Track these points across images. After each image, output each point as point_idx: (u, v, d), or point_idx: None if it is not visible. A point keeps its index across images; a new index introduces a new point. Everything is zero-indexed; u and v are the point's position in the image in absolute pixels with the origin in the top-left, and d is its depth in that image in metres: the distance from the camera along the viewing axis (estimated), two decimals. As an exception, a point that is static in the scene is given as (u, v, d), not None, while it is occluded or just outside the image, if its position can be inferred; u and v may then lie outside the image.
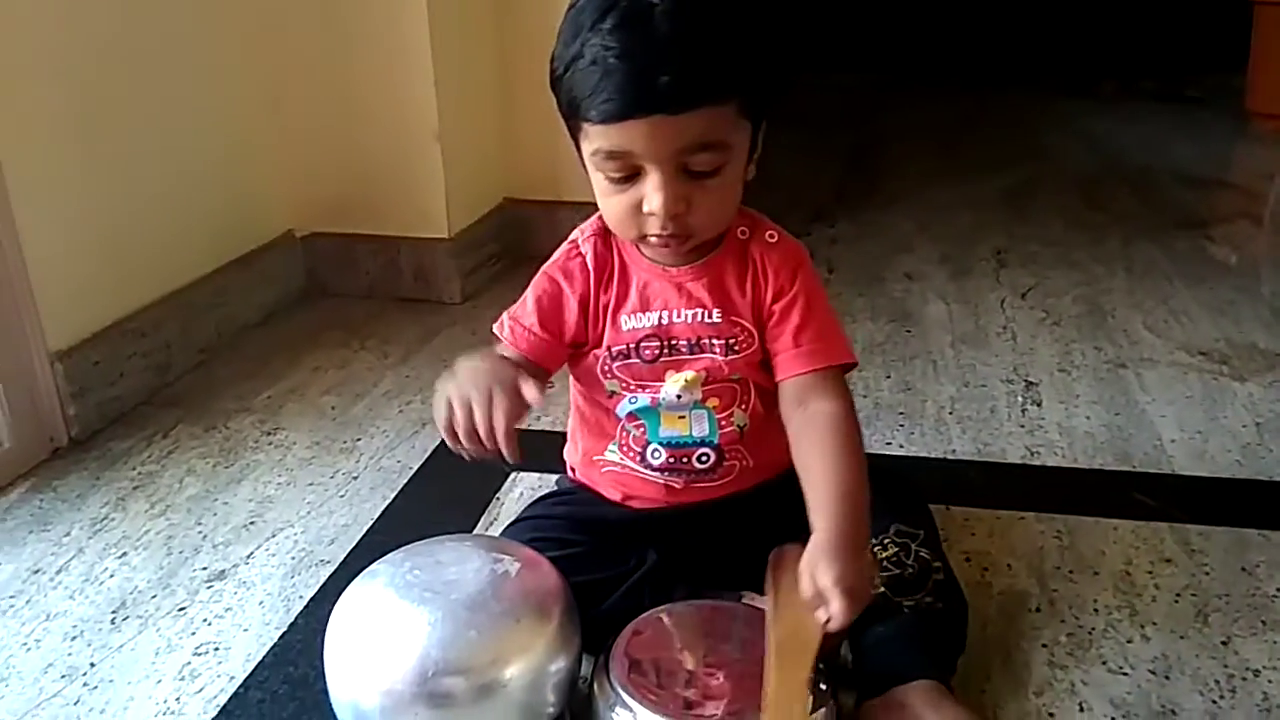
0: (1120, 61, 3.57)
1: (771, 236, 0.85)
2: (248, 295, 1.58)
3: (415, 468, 1.18)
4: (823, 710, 0.71)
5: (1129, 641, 0.87)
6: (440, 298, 1.68)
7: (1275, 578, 0.95)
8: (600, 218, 0.86)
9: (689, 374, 0.83)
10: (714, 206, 0.78)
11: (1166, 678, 0.83)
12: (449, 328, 1.59)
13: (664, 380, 0.84)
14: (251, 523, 1.08)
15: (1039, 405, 1.30)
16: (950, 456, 1.19)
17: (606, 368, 0.85)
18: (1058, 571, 0.96)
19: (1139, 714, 0.79)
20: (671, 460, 0.86)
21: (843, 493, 0.74)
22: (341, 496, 1.12)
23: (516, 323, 0.85)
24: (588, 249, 0.85)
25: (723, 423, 0.85)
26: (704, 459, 0.86)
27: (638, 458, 0.87)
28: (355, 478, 1.16)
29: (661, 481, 0.87)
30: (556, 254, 0.87)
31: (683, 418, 0.85)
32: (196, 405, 1.34)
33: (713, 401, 0.85)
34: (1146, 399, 1.32)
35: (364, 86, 1.62)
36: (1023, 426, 1.25)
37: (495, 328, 0.87)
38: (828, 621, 0.69)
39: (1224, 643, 0.87)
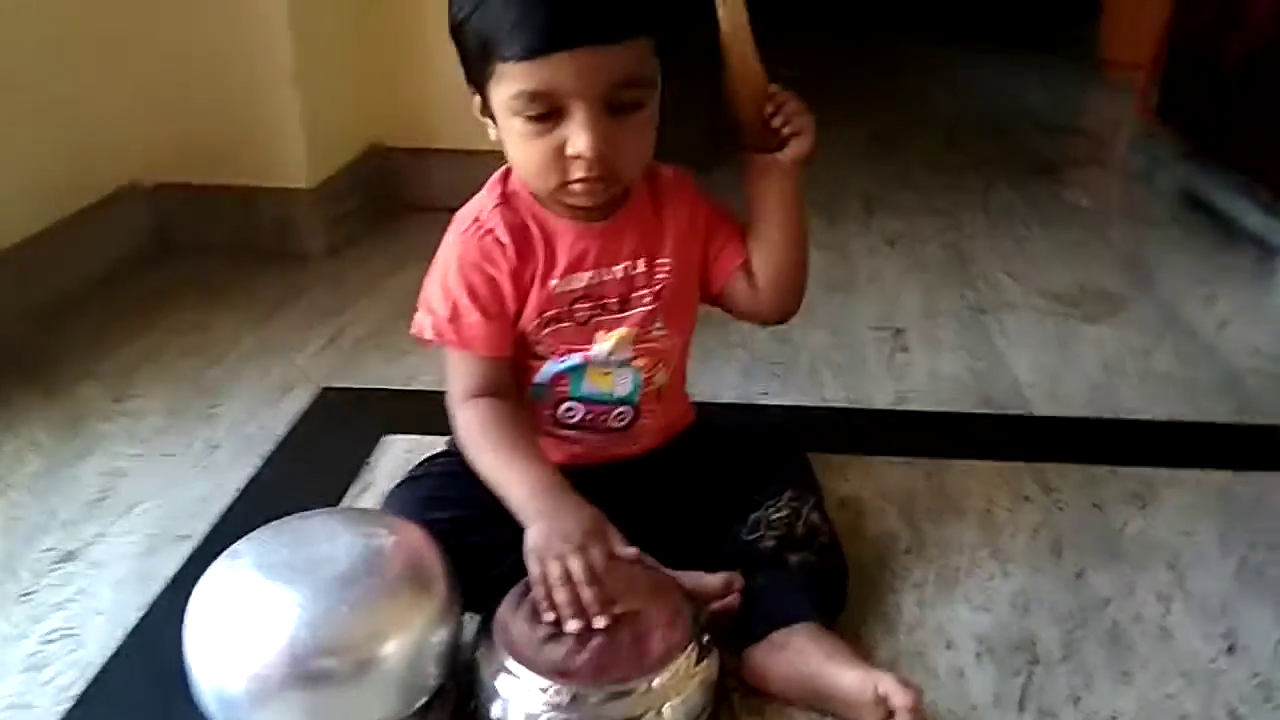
0: (983, 11, 3.67)
1: (665, 171, 0.87)
2: (89, 252, 1.47)
3: (280, 434, 1.13)
4: (706, 660, 0.71)
5: (991, 579, 0.91)
6: (303, 251, 1.60)
7: (1122, 512, 1.01)
8: (493, 191, 0.83)
9: (621, 331, 0.83)
10: (638, 146, 0.78)
11: (1025, 611, 0.87)
12: (312, 285, 1.51)
13: (594, 341, 0.83)
14: (103, 498, 1.01)
15: (906, 351, 1.34)
16: (823, 404, 1.22)
17: (534, 333, 0.82)
18: (927, 513, 1.00)
19: (1000, 647, 0.83)
20: (589, 418, 0.85)
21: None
22: (200, 467, 1.07)
23: (460, 325, 0.80)
24: (496, 223, 0.81)
25: (645, 383, 0.85)
26: (621, 418, 0.86)
27: (549, 421, 0.86)
28: (215, 447, 1.10)
29: (570, 441, 0.86)
30: (458, 244, 0.81)
31: (607, 374, 0.84)
32: (36, 373, 1.24)
33: (640, 361, 0.85)
34: (1005, 343, 1.37)
35: (212, 23, 1.51)
36: (891, 373, 1.29)
37: (429, 337, 0.82)
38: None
39: (1077, 575, 0.92)
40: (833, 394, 1.24)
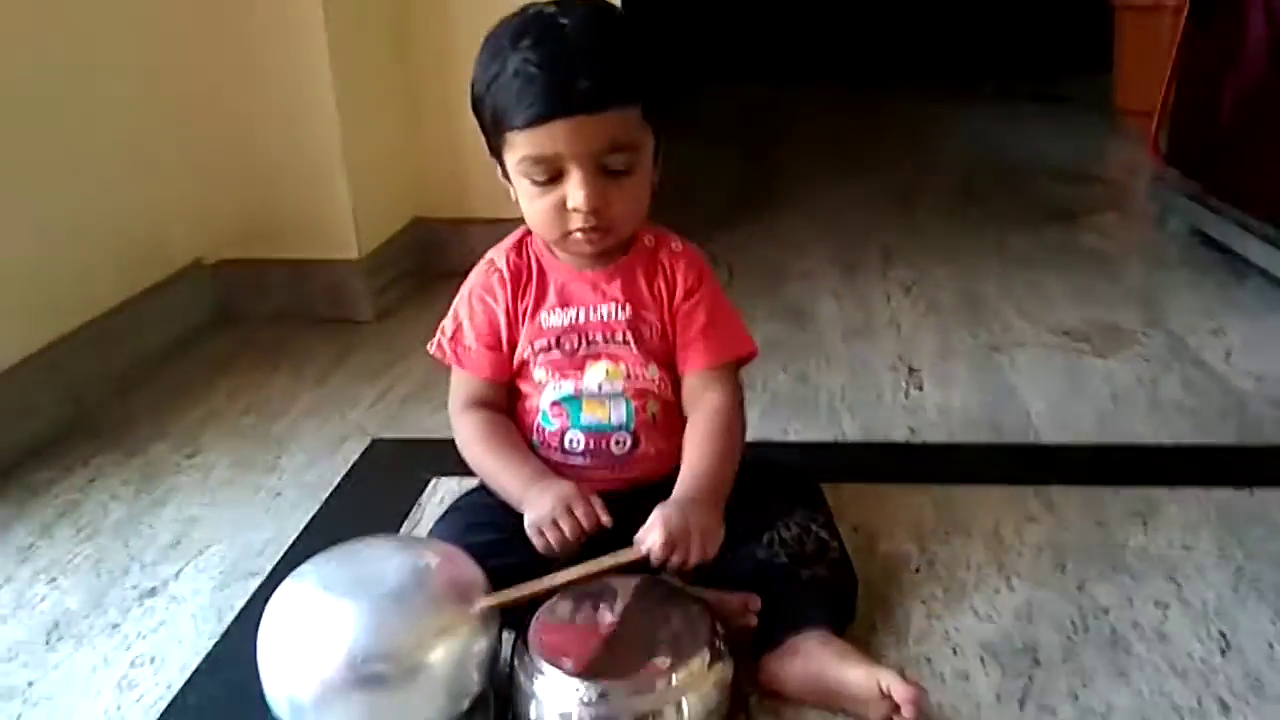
0: (998, 64, 3.79)
1: (676, 245, 0.97)
2: (159, 324, 1.60)
3: (336, 482, 1.23)
4: (721, 662, 0.78)
5: (996, 592, 0.97)
6: (353, 317, 1.72)
7: (1124, 528, 1.07)
8: (514, 237, 0.96)
9: (608, 364, 0.93)
10: (630, 203, 0.89)
11: (1029, 621, 0.93)
12: (363, 346, 1.63)
13: (584, 370, 0.93)
14: (178, 542, 1.11)
15: (920, 389, 1.41)
16: (840, 440, 1.29)
17: (531, 358, 0.94)
18: (935, 534, 1.06)
19: (1004, 653, 0.89)
20: (591, 445, 0.94)
21: (704, 469, 0.88)
22: (266, 512, 1.17)
23: (459, 345, 0.96)
24: (502, 263, 0.96)
25: (639, 410, 0.94)
26: (620, 443, 0.94)
27: (556, 450, 0.95)
28: (278, 494, 1.21)
29: (581, 469, 0.94)
30: (474, 276, 0.97)
31: (603, 405, 0.94)
32: (114, 434, 1.36)
33: (630, 393, 0.94)
34: (1017, 377, 1.44)
35: (267, 112, 1.65)
36: (905, 408, 1.36)
37: (434, 352, 0.97)
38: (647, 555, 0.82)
39: (1079, 588, 0.98)
40: (850, 430, 1.31)
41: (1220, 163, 1.87)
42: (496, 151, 0.89)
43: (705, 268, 0.97)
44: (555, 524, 0.84)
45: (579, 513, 0.84)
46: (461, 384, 0.97)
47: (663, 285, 0.94)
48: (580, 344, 0.93)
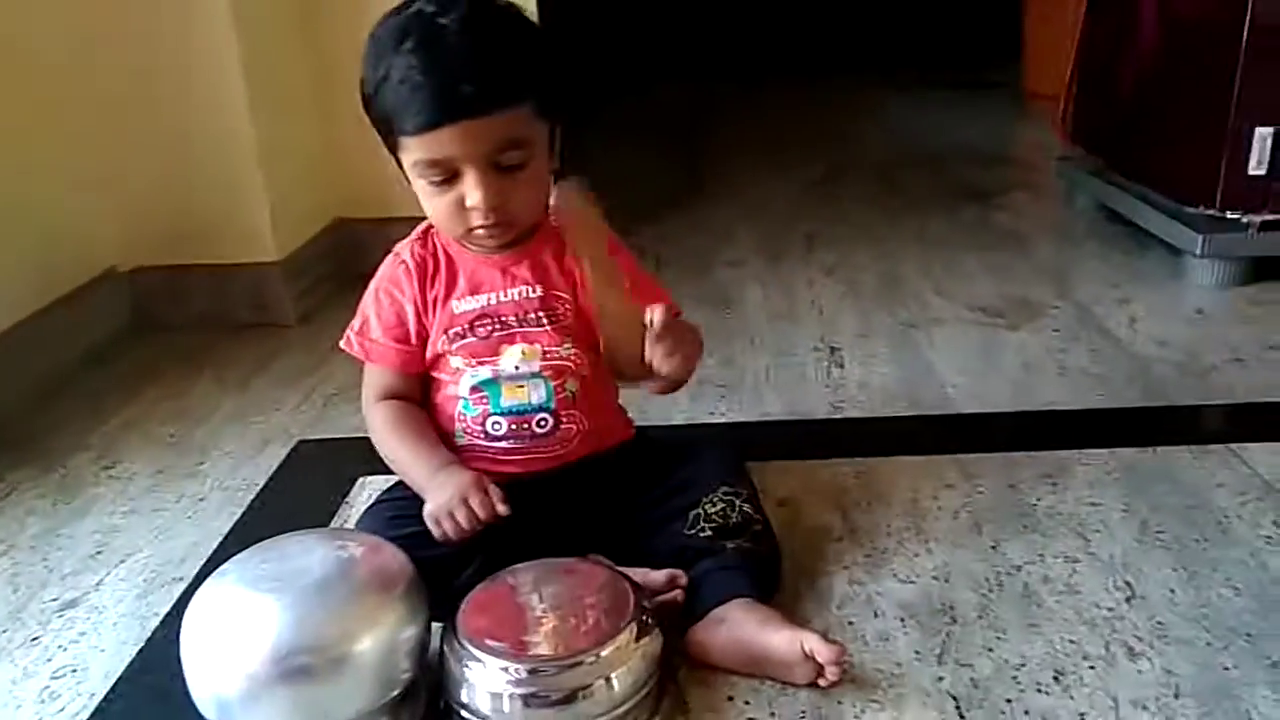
0: (922, 53, 3.88)
1: None
2: (73, 334, 1.57)
3: (262, 484, 1.21)
4: (648, 637, 0.80)
5: (915, 556, 1.00)
6: (275, 321, 1.70)
7: (1036, 489, 1.11)
8: (420, 229, 0.96)
9: (524, 346, 0.93)
10: (526, 196, 0.90)
11: (946, 581, 0.96)
12: (286, 351, 1.61)
13: (499, 354, 0.93)
14: (98, 552, 1.09)
15: (841, 367, 1.45)
16: (766, 418, 1.32)
17: (446, 347, 0.94)
18: (857, 505, 1.09)
19: (923, 613, 0.92)
20: (513, 428, 0.94)
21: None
22: (189, 518, 1.15)
23: (366, 339, 0.96)
24: (407, 255, 0.96)
25: (558, 389, 0.95)
26: (542, 424, 0.95)
27: (480, 434, 0.95)
28: (201, 500, 1.19)
29: (504, 452, 0.95)
30: (381, 270, 0.98)
31: (521, 387, 0.94)
32: (31, 447, 1.32)
33: (548, 372, 0.94)
34: (934, 353, 1.48)
35: (180, 116, 1.62)
36: (828, 386, 1.39)
37: (344, 346, 0.97)
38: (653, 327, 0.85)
39: (993, 547, 1.01)
40: (774, 408, 1.34)
41: (1121, 140, 1.95)
42: (391, 150, 0.89)
43: (613, 238, 0.97)
44: (451, 515, 0.85)
45: (475, 503, 0.85)
46: (373, 377, 0.97)
47: (572, 261, 0.95)
48: (494, 328, 0.93)
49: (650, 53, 3.73)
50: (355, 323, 0.97)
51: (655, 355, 0.87)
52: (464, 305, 0.94)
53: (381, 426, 0.95)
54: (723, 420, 1.32)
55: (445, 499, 0.86)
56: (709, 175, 2.64)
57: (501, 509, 0.85)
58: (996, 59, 3.52)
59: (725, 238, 2.10)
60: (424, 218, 0.95)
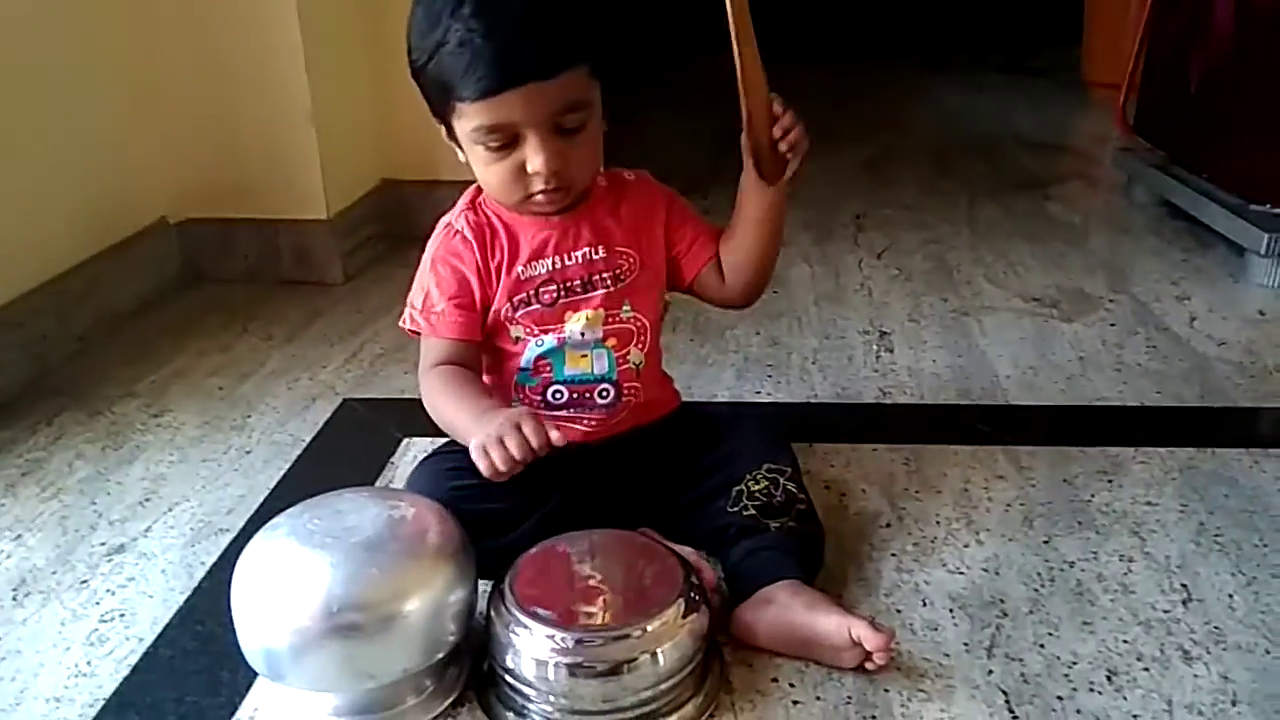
0: (970, 36, 3.80)
1: (629, 175, 0.98)
2: (123, 283, 1.57)
3: (308, 440, 1.22)
4: (695, 614, 0.79)
5: (966, 546, 0.99)
6: (322, 279, 1.70)
7: (1090, 485, 1.09)
8: (465, 199, 0.95)
9: (588, 312, 0.92)
10: (586, 158, 0.89)
11: (996, 574, 0.95)
12: (332, 309, 1.61)
13: (565, 321, 0.92)
14: (147, 499, 1.10)
15: (891, 352, 1.43)
16: (813, 400, 1.30)
17: (509, 316, 0.92)
18: (905, 492, 1.08)
19: (973, 604, 0.91)
20: (575, 397, 0.94)
21: None
22: (236, 470, 1.16)
23: (431, 312, 0.92)
24: (462, 224, 0.93)
25: (620, 360, 0.94)
26: (604, 394, 0.94)
27: (540, 405, 0.94)
28: (248, 452, 1.19)
29: (565, 420, 0.94)
30: (433, 244, 0.94)
31: (585, 356, 0.93)
32: (79, 393, 1.33)
33: (611, 341, 0.93)
34: (986, 341, 1.45)
35: (235, 71, 1.62)
36: (877, 371, 1.37)
37: (405, 325, 0.94)
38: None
39: (1045, 542, 0.99)
40: (822, 391, 1.32)
41: (1187, 133, 1.89)
42: (442, 116, 0.87)
43: (661, 185, 0.98)
44: (500, 442, 0.79)
45: (528, 430, 0.79)
46: (430, 349, 0.93)
47: (628, 213, 0.94)
48: (560, 293, 0.92)
49: (698, 26, 3.68)
50: (415, 299, 0.94)
51: (779, 131, 0.90)
52: (531, 270, 0.92)
53: (434, 387, 0.91)
54: (768, 399, 1.30)
55: (494, 426, 0.80)
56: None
57: (554, 435, 0.80)
58: (1045, 45, 3.43)
59: (772, 216, 2.07)
60: (470, 181, 0.94)
